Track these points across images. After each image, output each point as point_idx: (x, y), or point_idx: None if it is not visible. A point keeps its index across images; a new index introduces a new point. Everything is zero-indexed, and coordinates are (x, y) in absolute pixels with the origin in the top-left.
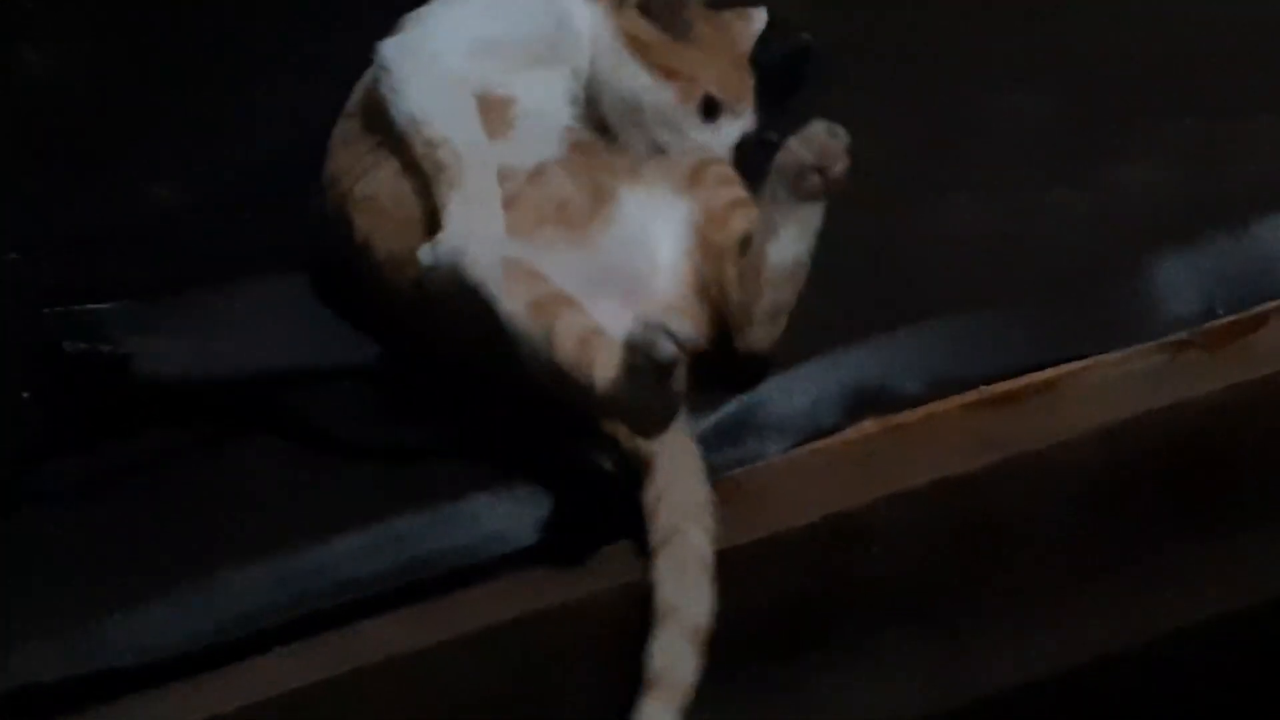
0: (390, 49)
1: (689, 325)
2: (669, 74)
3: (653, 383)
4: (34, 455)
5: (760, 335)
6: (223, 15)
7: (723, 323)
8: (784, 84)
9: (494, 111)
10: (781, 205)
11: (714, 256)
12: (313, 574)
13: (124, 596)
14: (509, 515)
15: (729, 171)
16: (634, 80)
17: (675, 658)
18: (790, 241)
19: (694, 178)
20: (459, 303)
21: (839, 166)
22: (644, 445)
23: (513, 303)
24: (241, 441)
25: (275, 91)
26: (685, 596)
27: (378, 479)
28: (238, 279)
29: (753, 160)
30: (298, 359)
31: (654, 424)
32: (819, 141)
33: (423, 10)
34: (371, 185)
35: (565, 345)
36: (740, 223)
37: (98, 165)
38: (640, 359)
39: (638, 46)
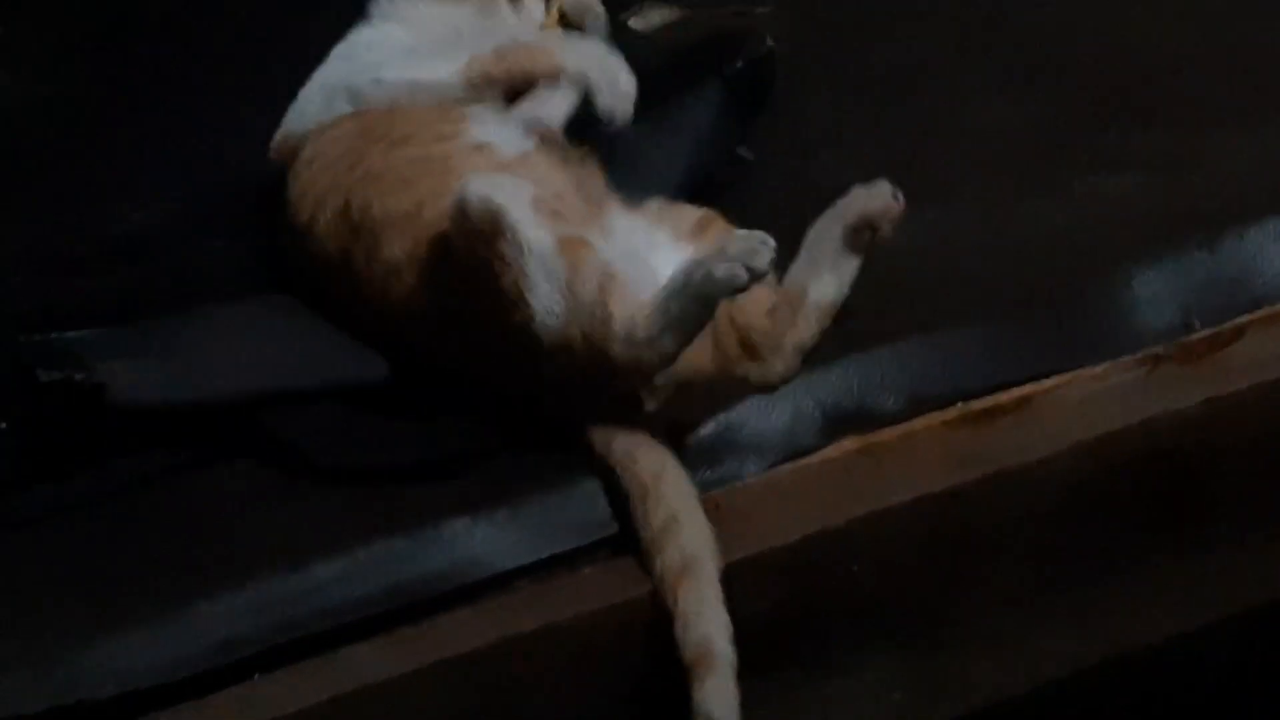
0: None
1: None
2: None
3: (699, 307)
4: (10, 484)
5: (779, 368)
6: (195, 39)
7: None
8: (752, 95)
9: (441, 113)
10: (828, 247)
11: None
12: (292, 600)
13: (103, 625)
14: (487, 539)
15: (731, 227)
16: None
17: (728, 705)
18: (830, 283)
19: (698, 229)
20: (468, 265)
21: (888, 229)
22: (640, 469)
23: (540, 234)
24: (218, 467)
25: (248, 114)
26: (722, 637)
27: (355, 503)
28: (211, 303)
29: (725, 176)
30: (273, 382)
31: (653, 366)
32: (883, 200)
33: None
34: (360, 197)
35: (588, 283)
36: None
37: (71, 190)
38: (706, 270)
39: None
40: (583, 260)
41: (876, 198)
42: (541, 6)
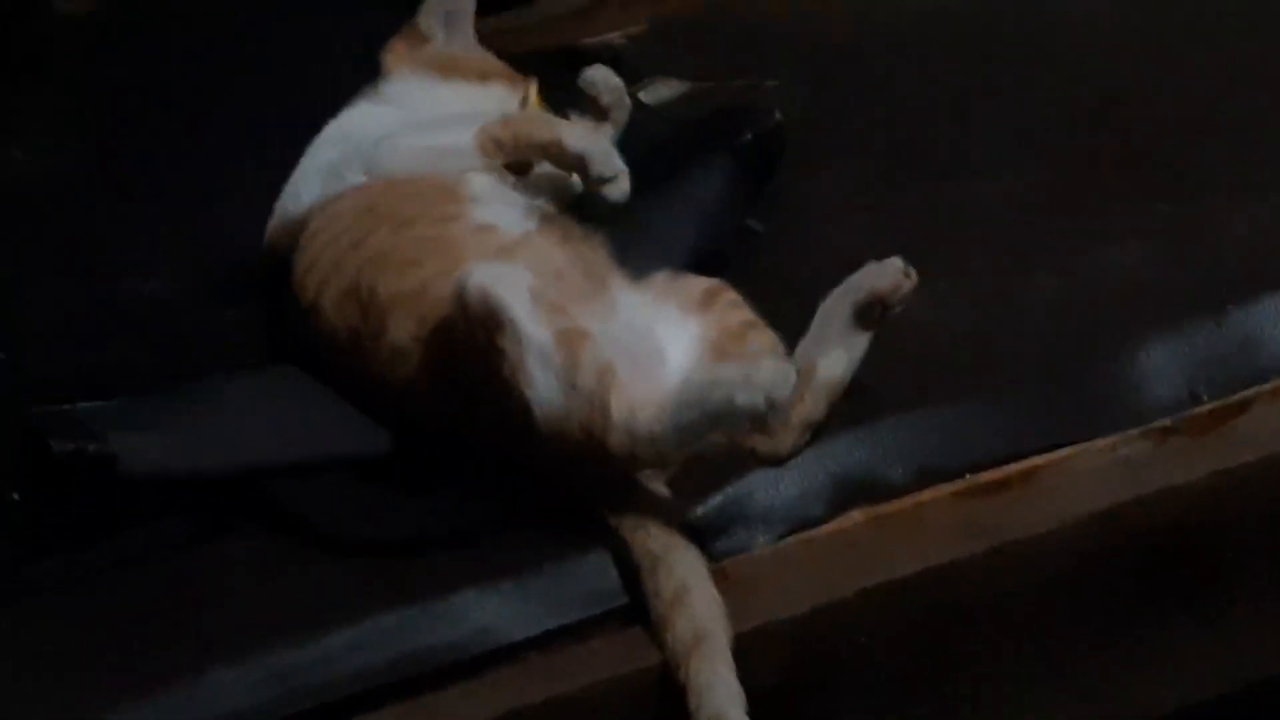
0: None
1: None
2: None
3: (710, 424)
4: (22, 554)
5: (788, 443)
6: (207, 112)
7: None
8: (761, 167)
9: (446, 192)
10: (839, 323)
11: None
12: (301, 670)
13: (115, 696)
14: (497, 610)
15: (739, 297)
16: None
17: None
18: (840, 360)
19: (705, 301)
20: (470, 349)
21: (899, 308)
22: (649, 541)
23: (539, 329)
24: (229, 537)
25: (260, 186)
26: (735, 711)
27: (365, 574)
28: (222, 374)
29: (734, 249)
30: (282, 453)
31: (649, 462)
32: (894, 278)
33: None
34: (367, 277)
35: (586, 374)
36: (758, 341)
37: (83, 262)
38: (728, 395)
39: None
40: (581, 352)
41: (887, 275)
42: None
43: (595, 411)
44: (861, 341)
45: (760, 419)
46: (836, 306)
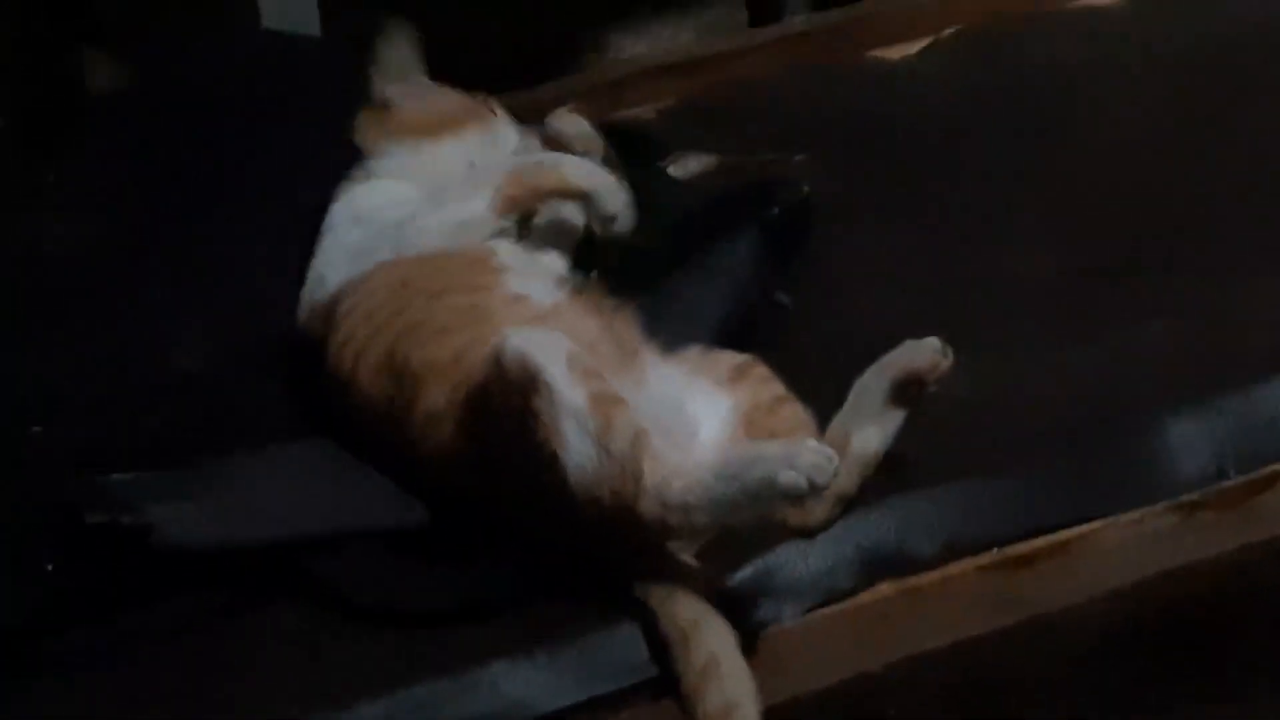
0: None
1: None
2: None
3: (747, 502)
4: (56, 625)
5: (819, 515)
6: (243, 185)
7: None
8: (789, 241)
9: (477, 264)
10: (875, 398)
11: (764, 439)
12: None
13: None
14: (529, 681)
15: (770, 372)
16: None
17: None
18: (874, 435)
19: (737, 376)
20: (505, 412)
21: (935, 388)
22: (679, 613)
23: (574, 393)
24: (263, 608)
25: (294, 259)
26: None
27: (398, 645)
28: (256, 446)
29: (762, 322)
30: (316, 525)
31: (680, 531)
32: (931, 357)
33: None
34: (403, 346)
35: (620, 439)
36: (788, 414)
37: (119, 333)
38: (770, 472)
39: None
40: (615, 417)
41: (924, 353)
42: (512, 128)
43: (628, 476)
44: (896, 418)
45: (798, 500)
46: (873, 382)
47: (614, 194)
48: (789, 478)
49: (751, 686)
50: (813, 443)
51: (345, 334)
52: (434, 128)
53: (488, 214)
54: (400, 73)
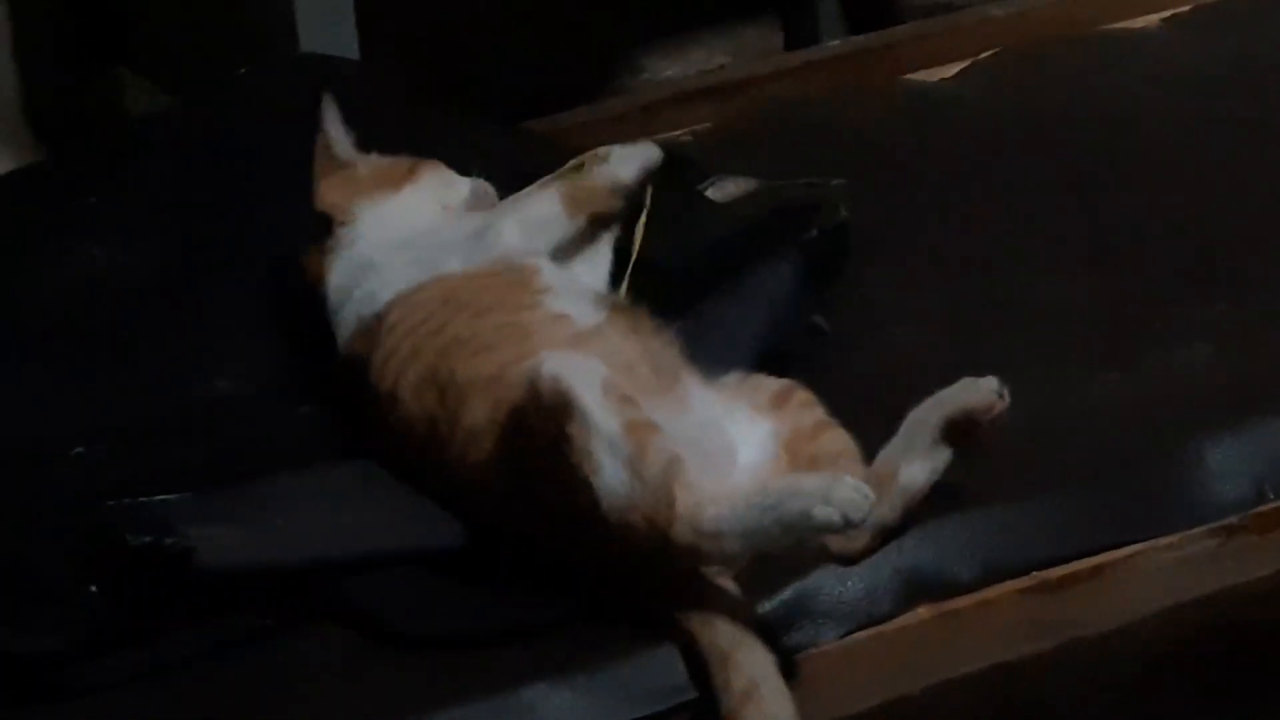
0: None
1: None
2: None
3: (780, 534)
4: (98, 647)
5: (858, 544)
6: (283, 207)
7: None
8: (827, 264)
9: (520, 284)
10: (926, 433)
11: (805, 465)
12: None
13: None
14: (566, 704)
15: (812, 397)
16: None
17: None
18: (922, 470)
19: (777, 401)
20: (540, 436)
21: (989, 428)
22: (718, 636)
23: (608, 420)
24: (302, 631)
25: None
26: None
27: (435, 668)
28: (296, 468)
29: (800, 347)
30: (355, 547)
31: (712, 558)
32: (987, 397)
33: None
34: (446, 362)
35: (653, 466)
36: (830, 440)
37: (158, 357)
38: (805, 507)
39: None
40: (649, 443)
41: (981, 393)
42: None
43: (661, 503)
44: (944, 456)
45: (833, 534)
46: (926, 417)
47: (641, 148)
48: (824, 513)
49: (792, 710)
50: (849, 479)
51: (389, 349)
52: (397, 178)
53: (561, 213)
54: (344, 148)
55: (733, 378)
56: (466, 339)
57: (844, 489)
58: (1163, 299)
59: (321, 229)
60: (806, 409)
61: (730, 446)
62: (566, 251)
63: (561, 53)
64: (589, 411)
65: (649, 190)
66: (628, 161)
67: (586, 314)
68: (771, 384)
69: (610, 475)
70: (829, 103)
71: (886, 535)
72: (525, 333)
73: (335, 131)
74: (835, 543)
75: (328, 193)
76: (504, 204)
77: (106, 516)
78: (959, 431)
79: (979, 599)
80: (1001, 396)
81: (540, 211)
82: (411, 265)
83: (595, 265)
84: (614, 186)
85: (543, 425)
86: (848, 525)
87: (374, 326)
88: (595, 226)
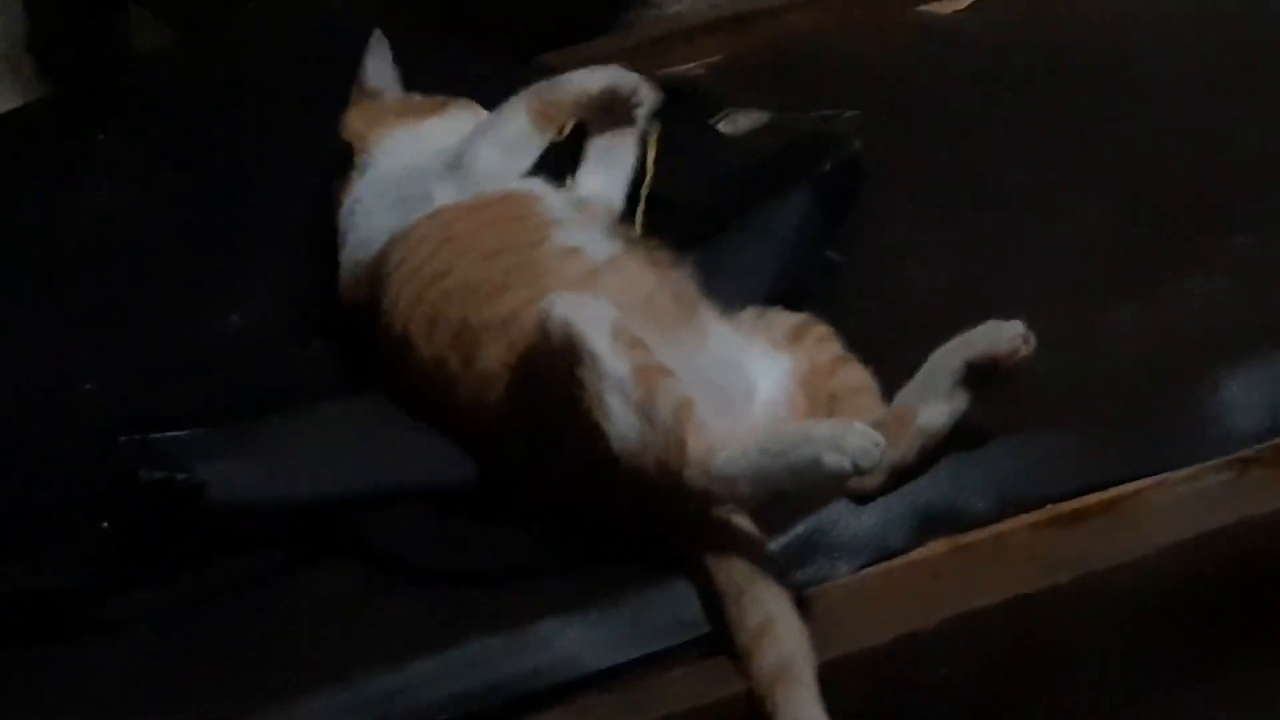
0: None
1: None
2: None
3: (790, 479)
4: (111, 584)
5: (873, 482)
6: (293, 144)
7: None
8: (840, 198)
9: (525, 219)
10: (948, 375)
11: (823, 402)
12: (385, 699)
13: None
14: (580, 639)
15: (829, 331)
16: None
17: None
18: (942, 412)
19: (795, 336)
20: (552, 378)
21: (1013, 373)
22: (733, 571)
23: (618, 363)
24: (315, 566)
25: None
26: None
27: (449, 603)
28: (308, 404)
29: (814, 280)
30: (368, 482)
31: (723, 500)
32: (1012, 341)
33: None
34: (457, 307)
35: (663, 409)
36: (848, 376)
37: (170, 295)
38: (815, 454)
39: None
40: (659, 388)
41: (1006, 337)
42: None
43: (671, 447)
44: (965, 399)
45: (842, 482)
46: (949, 359)
47: (628, 79)
48: (834, 460)
49: (806, 645)
50: (859, 425)
51: (395, 292)
52: (424, 111)
53: (530, 128)
54: (383, 82)
55: (749, 313)
56: (476, 284)
57: (854, 436)
58: (1179, 231)
59: (345, 158)
60: (824, 344)
61: (747, 383)
62: (577, 169)
63: None
64: (598, 356)
65: (657, 125)
66: (595, 72)
67: (600, 247)
68: (788, 319)
69: (621, 420)
70: (841, 35)
71: (903, 475)
72: (537, 272)
73: (375, 65)
74: (851, 482)
75: (353, 121)
76: (475, 126)
77: (118, 453)
78: (981, 374)
79: (993, 533)
80: (1027, 341)
81: (509, 129)
82: (398, 203)
83: (610, 185)
84: (579, 97)
85: (552, 369)
86: (858, 472)
87: (378, 261)
88: (590, 139)
